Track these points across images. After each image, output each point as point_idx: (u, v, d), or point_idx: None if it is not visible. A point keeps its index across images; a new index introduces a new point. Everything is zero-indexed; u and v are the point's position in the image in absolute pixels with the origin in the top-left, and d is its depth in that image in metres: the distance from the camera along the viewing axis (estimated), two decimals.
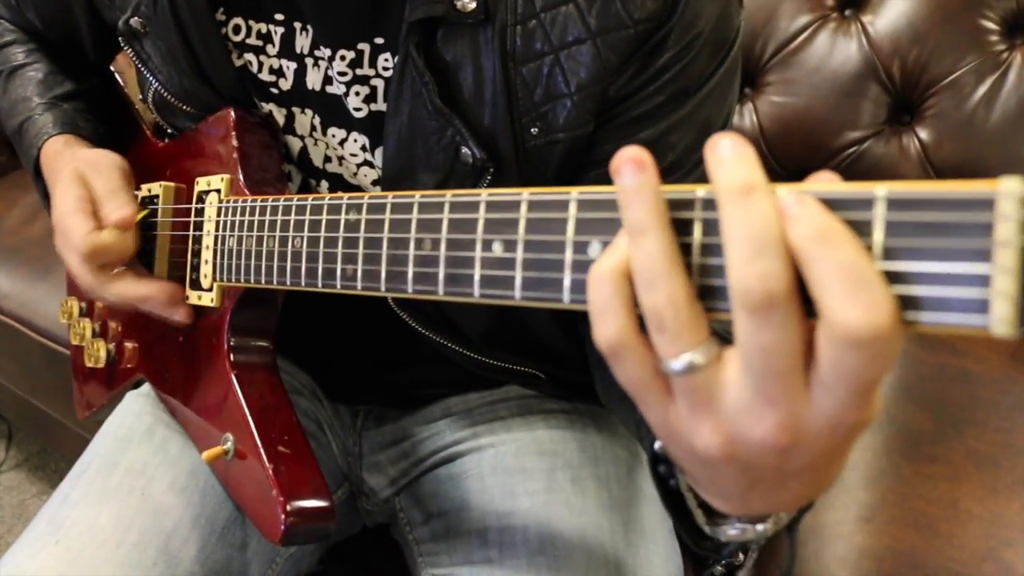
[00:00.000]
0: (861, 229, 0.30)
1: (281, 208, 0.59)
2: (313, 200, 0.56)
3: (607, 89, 0.60)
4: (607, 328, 0.35)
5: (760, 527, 0.42)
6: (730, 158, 0.32)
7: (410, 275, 0.48)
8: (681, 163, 0.62)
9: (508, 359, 0.74)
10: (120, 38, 0.73)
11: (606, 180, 0.63)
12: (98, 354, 0.84)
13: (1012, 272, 0.27)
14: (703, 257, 0.34)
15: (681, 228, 0.35)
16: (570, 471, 0.73)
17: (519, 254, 0.41)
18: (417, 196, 0.48)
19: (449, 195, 0.45)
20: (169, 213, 0.74)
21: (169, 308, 0.69)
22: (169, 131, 0.83)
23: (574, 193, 0.39)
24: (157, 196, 0.76)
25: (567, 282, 0.39)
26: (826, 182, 0.32)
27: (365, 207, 0.51)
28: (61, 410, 1.25)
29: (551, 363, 0.75)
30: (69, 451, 1.49)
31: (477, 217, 0.43)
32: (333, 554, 0.92)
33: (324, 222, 0.55)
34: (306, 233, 0.56)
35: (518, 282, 0.41)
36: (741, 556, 0.50)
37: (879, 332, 0.29)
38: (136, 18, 0.71)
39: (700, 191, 0.34)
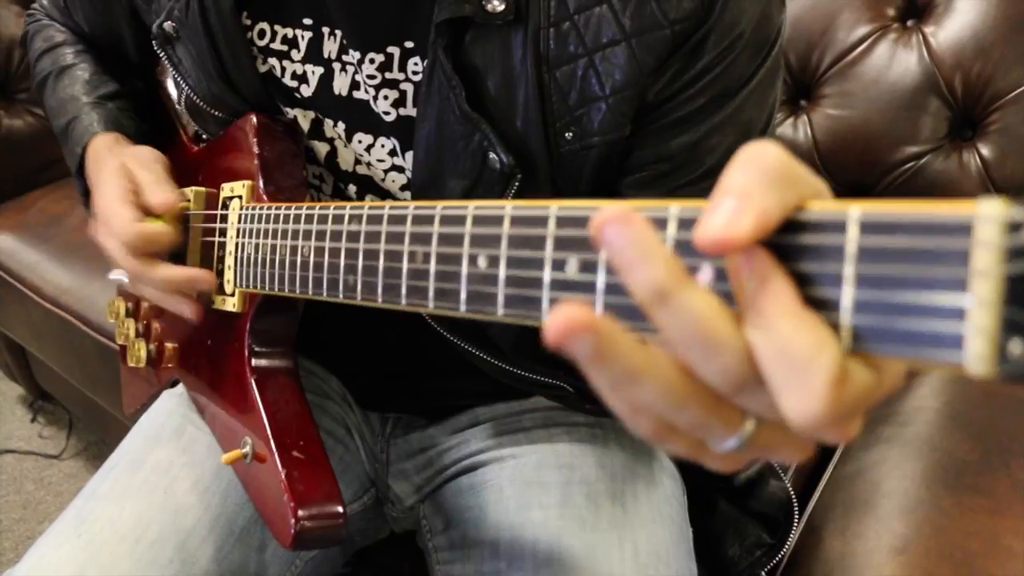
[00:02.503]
0: (830, 256, 0.28)
1: (292, 216, 0.60)
2: (320, 209, 0.56)
3: (645, 92, 0.58)
4: (626, 406, 0.33)
5: None
6: (631, 262, 0.29)
7: (403, 288, 0.47)
8: (721, 166, 0.61)
9: (537, 370, 0.73)
10: (154, 42, 0.75)
11: (645, 186, 0.62)
12: (139, 354, 0.86)
13: (991, 305, 0.24)
14: None
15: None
16: (586, 486, 0.72)
17: (501, 270, 0.40)
18: (411, 208, 0.47)
19: (439, 207, 0.45)
20: (200, 219, 0.76)
21: (196, 301, 0.70)
22: (204, 136, 0.85)
23: (553, 208, 0.38)
24: (189, 200, 0.78)
25: (545, 300, 0.38)
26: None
27: (365, 218, 0.51)
28: (114, 404, 1.29)
29: (579, 376, 0.74)
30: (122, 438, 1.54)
31: (464, 231, 0.43)
32: (360, 558, 0.92)
33: (329, 232, 0.55)
34: (313, 242, 0.57)
35: (500, 299, 0.40)
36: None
37: (817, 420, 0.27)
38: (169, 22, 0.73)
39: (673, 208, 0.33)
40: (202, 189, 0.77)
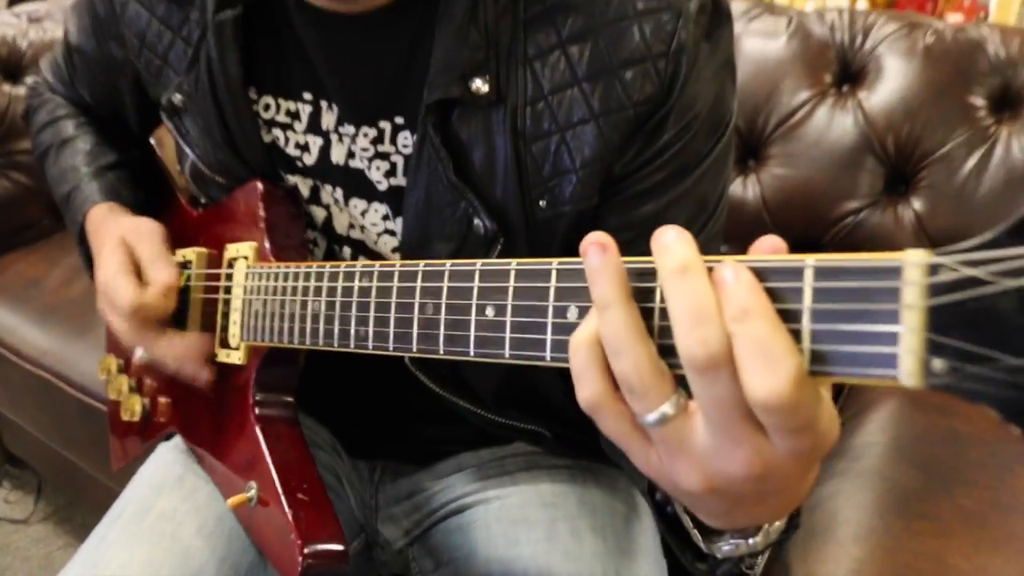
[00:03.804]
0: (792, 296, 0.35)
1: (302, 275, 0.65)
2: (331, 268, 0.62)
3: (611, 166, 0.65)
4: (585, 390, 0.40)
5: (751, 540, 0.47)
6: (670, 243, 0.37)
7: (415, 336, 0.53)
8: None
9: (517, 417, 0.78)
10: (163, 113, 0.81)
11: None
12: (134, 408, 0.90)
13: (917, 331, 0.31)
14: (663, 320, 0.39)
15: (645, 295, 0.40)
16: (569, 522, 0.77)
17: (508, 317, 0.47)
18: (421, 265, 0.53)
19: (448, 264, 0.51)
20: (201, 277, 0.81)
21: (199, 364, 0.75)
22: (203, 200, 0.90)
23: (555, 263, 0.45)
24: (190, 261, 0.82)
25: (548, 343, 0.44)
26: (766, 252, 0.37)
27: (376, 275, 0.57)
28: (92, 463, 1.31)
29: (556, 422, 0.80)
30: (96, 504, 1.53)
31: (472, 285, 0.49)
32: None
33: (340, 288, 0.60)
34: (324, 297, 0.62)
35: (507, 342, 0.47)
36: None
37: (782, 400, 0.33)
38: (178, 95, 0.78)
39: (642, 262, 0.40)
40: (204, 250, 0.82)
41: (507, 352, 0.47)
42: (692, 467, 0.39)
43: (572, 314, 0.43)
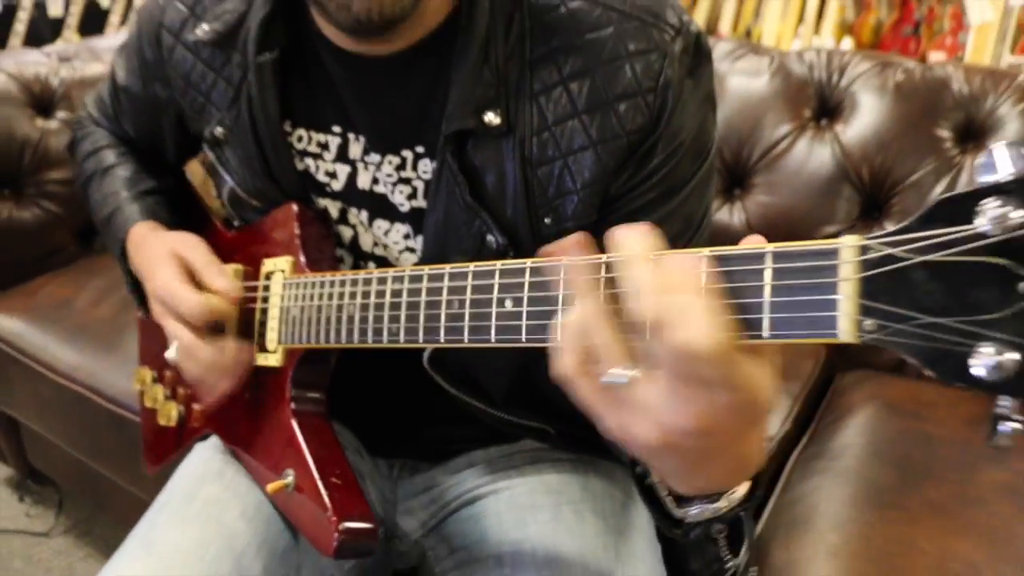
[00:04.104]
0: (756, 275, 0.44)
1: (338, 282, 0.74)
2: (364, 275, 0.71)
3: (608, 187, 0.74)
4: (562, 363, 0.49)
5: (715, 505, 0.55)
6: (621, 240, 0.47)
7: (442, 329, 0.62)
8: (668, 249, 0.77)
9: (524, 416, 0.87)
10: (205, 144, 0.90)
11: None
12: (170, 414, 0.98)
13: (851, 298, 0.40)
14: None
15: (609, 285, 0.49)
16: (572, 506, 0.85)
17: (524, 308, 0.56)
18: (447, 268, 0.62)
19: (472, 267, 0.60)
20: (239, 290, 0.89)
21: (246, 367, 0.83)
22: (235, 223, 0.99)
23: (564, 261, 0.54)
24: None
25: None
26: (751, 242, 0.46)
27: (406, 279, 0.66)
28: (119, 470, 1.38)
29: (560, 419, 0.88)
30: (117, 516, 1.61)
31: (493, 282, 0.58)
32: None
33: (373, 291, 0.69)
34: (359, 300, 0.71)
35: (523, 328, 0.56)
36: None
37: (700, 351, 0.42)
38: (220, 128, 0.87)
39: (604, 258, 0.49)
40: (240, 266, 0.91)
41: (524, 336, 0.55)
42: (650, 424, 0.46)
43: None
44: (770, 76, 1.44)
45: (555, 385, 0.85)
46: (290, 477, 0.78)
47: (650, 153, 0.74)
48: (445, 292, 0.62)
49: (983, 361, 0.37)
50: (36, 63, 1.73)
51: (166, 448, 1.05)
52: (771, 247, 0.44)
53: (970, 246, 0.37)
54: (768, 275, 0.44)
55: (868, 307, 0.40)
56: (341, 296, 0.73)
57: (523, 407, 0.87)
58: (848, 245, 0.41)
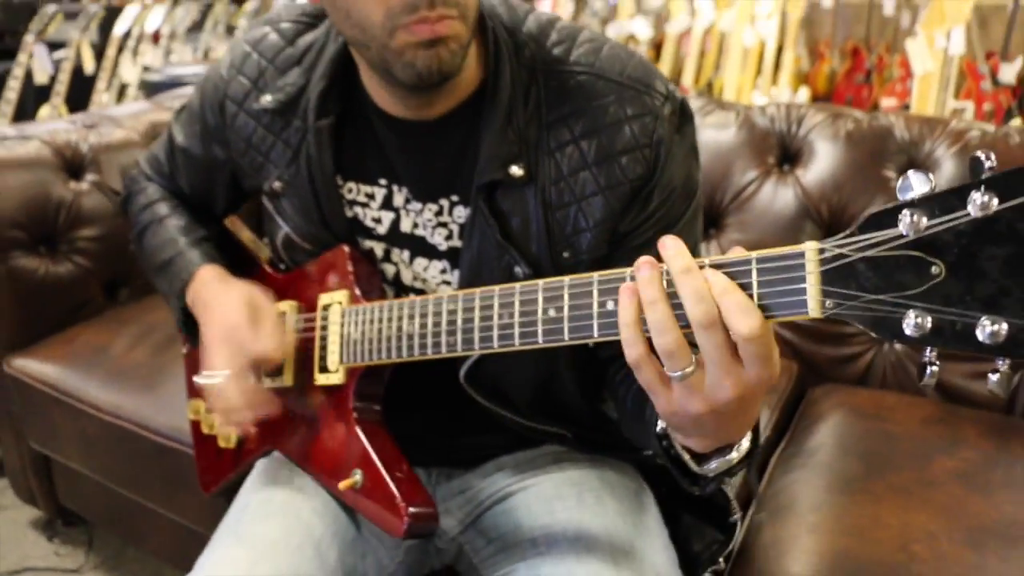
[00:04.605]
0: (746, 275, 0.61)
1: (396, 307, 0.89)
2: (420, 300, 0.86)
3: (616, 226, 0.90)
4: (633, 352, 0.64)
5: (729, 456, 0.71)
6: (674, 255, 0.62)
7: (495, 337, 0.77)
8: None
9: (546, 422, 1.01)
10: (264, 196, 1.04)
11: None
12: (230, 437, 1.12)
13: (815, 285, 0.57)
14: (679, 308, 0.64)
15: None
16: (593, 493, 1.00)
17: (565, 313, 0.71)
18: (496, 289, 0.78)
19: (518, 286, 0.76)
20: (297, 322, 1.04)
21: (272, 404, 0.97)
22: (281, 266, 1.13)
23: (595, 276, 0.70)
24: (285, 312, 1.05)
25: (595, 326, 0.69)
26: (736, 253, 0.62)
27: (460, 299, 0.82)
28: (163, 500, 1.50)
29: (577, 425, 1.03)
30: (151, 545, 1.71)
31: (537, 296, 0.74)
32: None
33: (431, 311, 0.85)
34: (417, 320, 0.86)
35: (566, 330, 0.71)
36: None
37: (755, 332, 0.58)
38: (278, 183, 1.02)
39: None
40: (295, 302, 1.05)
41: (567, 336, 0.71)
42: (700, 400, 0.63)
43: (609, 305, 0.68)
44: (737, 128, 1.62)
45: (571, 393, 1.01)
46: (358, 475, 0.92)
47: (649, 197, 0.90)
48: (496, 307, 0.78)
49: (910, 323, 0.53)
50: (66, 131, 1.88)
51: (224, 469, 1.17)
52: (755, 255, 0.61)
53: (895, 244, 0.54)
54: (754, 274, 0.60)
55: (828, 291, 0.57)
56: (400, 318, 0.88)
57: (545, 415, 1.02)
58: (810, 248, 0.58)
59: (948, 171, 1.43)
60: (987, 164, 0.52)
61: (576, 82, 0.91)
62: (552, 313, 0.73)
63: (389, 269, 1.03)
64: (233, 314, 0.98)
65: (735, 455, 0.72)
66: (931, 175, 0.55)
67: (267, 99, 1.01)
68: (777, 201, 1.57)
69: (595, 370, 1.00)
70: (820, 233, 1.55)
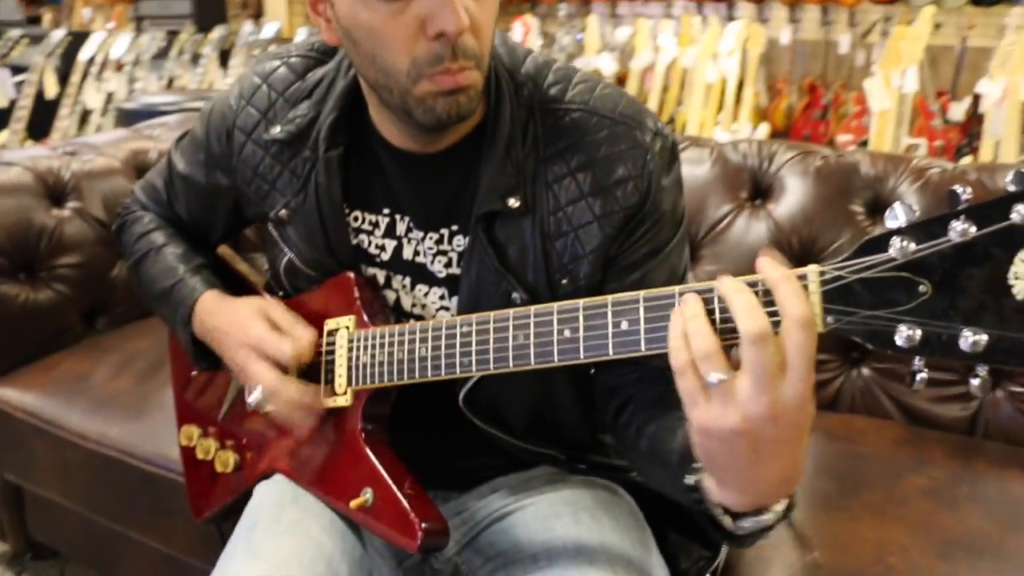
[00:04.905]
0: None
1: (407, 331, 0.93)
2: (433, 323, 0.90)
3: (608, 251, 0.95)
4: (677, 361, 0.68)
5: (764, 516, 0.72)
6: (726, 281, 0.67)
7: (510, 356, 0.82)
8: None
9: (540, 444, 1.05)
10: (270, 223, 1.08)
11: None
12: (227, 461, 1.13)
13: (817, 304, 0.64)
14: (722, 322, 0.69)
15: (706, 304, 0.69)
16: (588, 511, 1.03)
17: (580, 334, 0.76)
18: (511, 313, 0.83)
19: (532, 309, 0.81)
20: None
21: (318, 407, 1.00)
22: (280, 292, 1.16)
23: (609, 299, 0.75)
24: None
25: (610, 345, 0.74)
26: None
27: (474, 321, 0.86)
28: (147, 528, 1.49)
29: (571, 447, 1.07)
30: (127, 571, 1.70)
31: (552, 319, 0.79)
32: None
33: (444, 334, 0.89)
34: (430, 343, 0.90)
35: (581, 349, 0.76)
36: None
37: (807, 318, 0.63)
38: (284, 210, 1.05)
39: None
40: None
41: (582, 354, 0.76)
42: (735, 410, 0.65)
43: (624, 325, 0.73)
44: (711, 164, 1.69)
45: (566, 419, 1.06)
46: (368, 494, 0.95)
47: (640, 224, 0.96)
48: (511, 328, 0.82)
49: (902, 335, 0.60)
50: (47, 157, 1.89)
51: (220, 494, 1.18)
52: (760, 277, 0.66)
53: (886, 266, 0.61)
54: (763, 294, 0.66)
55: (828, 308, 0.63)
56: (412, 341, 0.92)
57: (540, 438, 1.06)
58: (812, 270, 0.64)
59: (912, 205, 1.51)
60: (963, 196, 0.60)
61: (571, 119, 0.97)
62: (567, 334, 0.77)
63: (390, 295, 1.07)
64: (253, 329, 1.01)
65: (770, 517, 0.72)
66: (914, 207, 0.62)
67: (276, 130, 1.05)
68: (750, 234, 1.63)
69: (589, 395, 1.04)
70: (791, 265, 1.61)
